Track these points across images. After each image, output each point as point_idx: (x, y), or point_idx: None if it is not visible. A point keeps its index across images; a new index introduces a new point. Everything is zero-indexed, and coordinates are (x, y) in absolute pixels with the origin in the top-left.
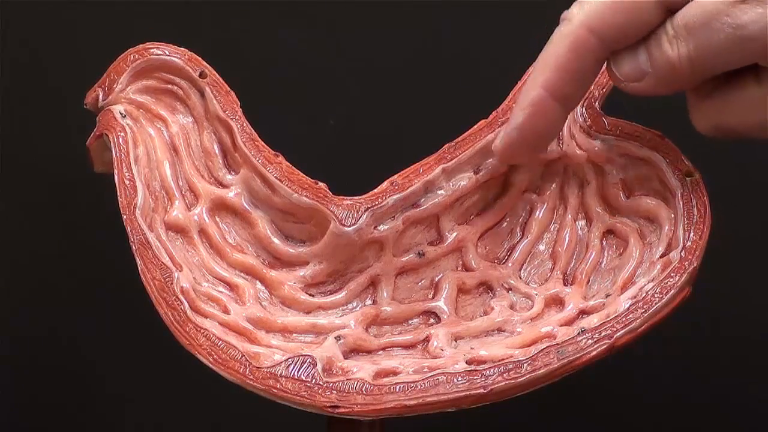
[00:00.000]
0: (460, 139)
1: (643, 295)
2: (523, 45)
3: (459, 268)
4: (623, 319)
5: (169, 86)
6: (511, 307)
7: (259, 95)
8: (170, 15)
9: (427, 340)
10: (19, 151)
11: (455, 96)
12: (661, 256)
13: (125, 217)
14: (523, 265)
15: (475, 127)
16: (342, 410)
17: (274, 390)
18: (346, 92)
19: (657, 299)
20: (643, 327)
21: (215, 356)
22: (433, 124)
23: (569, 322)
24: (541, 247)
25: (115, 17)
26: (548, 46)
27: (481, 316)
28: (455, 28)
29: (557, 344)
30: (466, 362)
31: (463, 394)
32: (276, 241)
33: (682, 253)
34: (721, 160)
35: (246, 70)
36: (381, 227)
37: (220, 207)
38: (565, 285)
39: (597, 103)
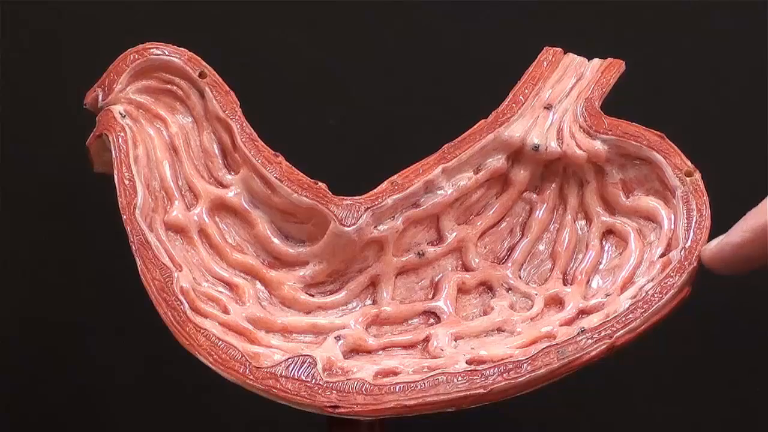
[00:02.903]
0: (460, 138)
1: (643, 294)
2: (522, 45)
3: (459, 268)
4: (623, 318)
5: (169, 86)
6: (511, 306)
7: (259, 95)
8: (170, 15)
9: (427, 340)
10: (19, 151)
11: (455, 96)
12: (661, 256)
13: (125, 217)
14: (522, 264)
15: (475, 126)
16: (342, 410)
17: (275, 390)
18: (346, 92)
19: (657, 299)
20: (642, 327)
21: (215, 356)
22: (433, 124)
23: (569, 322)
24: (541, 247)
25: (115, 17)
26: None
27: (480, 316)
28: (455, 29)
29: (557, 344)
30: (466, 362)
31: (463, 394)
32: (276, 241)
33: (682, 253)
34: (720, 160)
35: (246, 70)
36: (381, 227)
37: (220, 207)
38: (564, 285)
39: (597, 103)
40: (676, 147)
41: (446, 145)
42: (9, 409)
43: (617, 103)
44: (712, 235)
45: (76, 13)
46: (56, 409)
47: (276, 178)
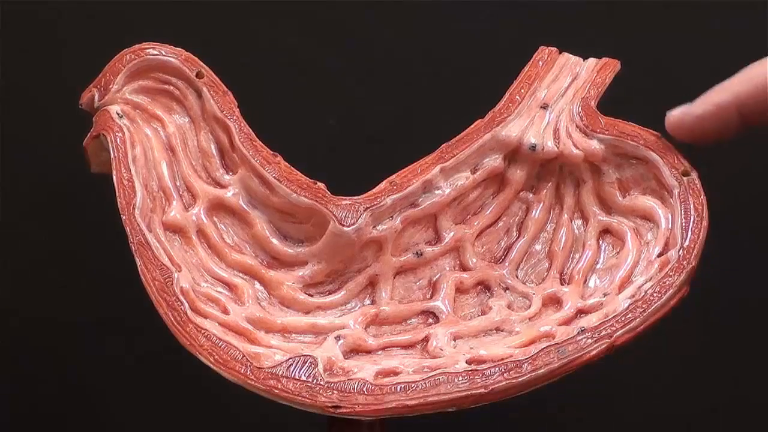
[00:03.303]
0: (457, 138)
1: (642, 294)
2: (519, 45)
3: (456, 268)
4: (623, 318)
5: (166, 86)
6: (509, 306)
7: (258, 95)
8: (167, 15)
9: (426, 339)
10: (19, 151)
11: (453, 96)
12: (659, 255)
13: (124, 217)
14: (519, 264)
15: (472, 126)
16: (343, 410)
17: (276, 390)
18: (346, 92)
19: (656, 298)
20: (642, 326)
21: (216, 357)
22: (431, 124)
23: (567, 322)
24: (538, 247)
25: (114, 17)
26: (760, 63)
27: (479, 315)
28: (454, 29)
29: (557, 343)
30: (466, 362)
31: (464, 393)
32: (274, 241)
33: (680, 252)
34: (717, 159)
35: (245, 69)
36: (380, 227)
37: (218, 207)
38: (562, 284)
39: (593, 103)
40: (672, 146)
41: (444, 145)
42: (9, 409)
43: (613, 102)
44: (710, 237)
45: (76, 12)
46: (56, 409)
47: (275, 178)
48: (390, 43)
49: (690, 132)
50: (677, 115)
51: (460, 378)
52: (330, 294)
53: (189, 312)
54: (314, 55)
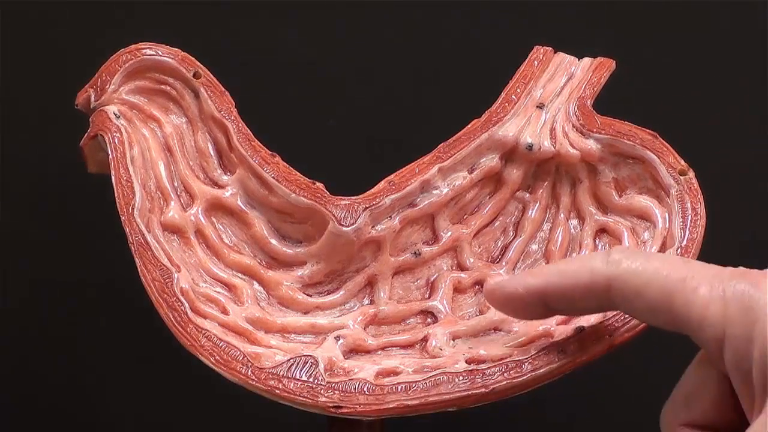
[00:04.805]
0: (455, 138)
1: None
2: (515, 45)
3: (454, 268)
4: (622, 317)
5: (162, 87)
6: None
7: (257, 95)
8: (164, 15)
9: (425, 339)
10: (17, 151)
11: (450, 95)
12: None
13: (123, 218)
14: (516, 264)
15: (469, 126)
16: (344, 410)
17: (277, 390)
18: (346, 92)
19: None
20: (642, 325)
21: (217, 357)
22: (429, 124)
23: (566, 321)
24: (534, 246)
25: (108, 17)
26: (578, 259)
27: (477, 315)
28: (452, 29)
29: (557, 343)
30: (466, 361)
31: (465, 393)
32: (273, 241)
33: (678, 252)
34: (715, 158)
35: (244, 69)
36: (378, 227)
37: (216, 207)
38: None
39: (589, 102)
40: (669, 146)
41: (441, 145)
42: (8, 410)
43: (609, 101)
44: (708, 233)
45: (73, 12)
46: (57, 410)
47: (273, 178)
48: (388, 44)
49: (501, 306)
50: (491, 287)
51: (461, 378)
52: (329, 294)
53: (189, 312)
54: (314, 55)
